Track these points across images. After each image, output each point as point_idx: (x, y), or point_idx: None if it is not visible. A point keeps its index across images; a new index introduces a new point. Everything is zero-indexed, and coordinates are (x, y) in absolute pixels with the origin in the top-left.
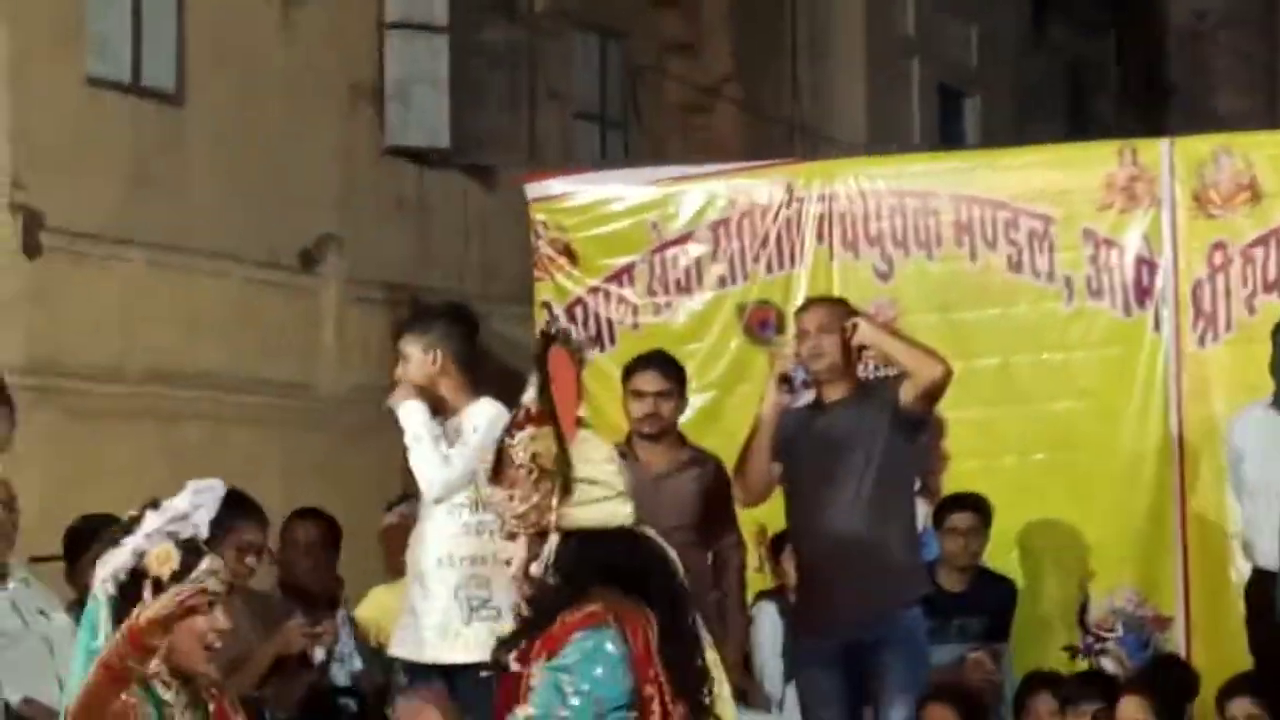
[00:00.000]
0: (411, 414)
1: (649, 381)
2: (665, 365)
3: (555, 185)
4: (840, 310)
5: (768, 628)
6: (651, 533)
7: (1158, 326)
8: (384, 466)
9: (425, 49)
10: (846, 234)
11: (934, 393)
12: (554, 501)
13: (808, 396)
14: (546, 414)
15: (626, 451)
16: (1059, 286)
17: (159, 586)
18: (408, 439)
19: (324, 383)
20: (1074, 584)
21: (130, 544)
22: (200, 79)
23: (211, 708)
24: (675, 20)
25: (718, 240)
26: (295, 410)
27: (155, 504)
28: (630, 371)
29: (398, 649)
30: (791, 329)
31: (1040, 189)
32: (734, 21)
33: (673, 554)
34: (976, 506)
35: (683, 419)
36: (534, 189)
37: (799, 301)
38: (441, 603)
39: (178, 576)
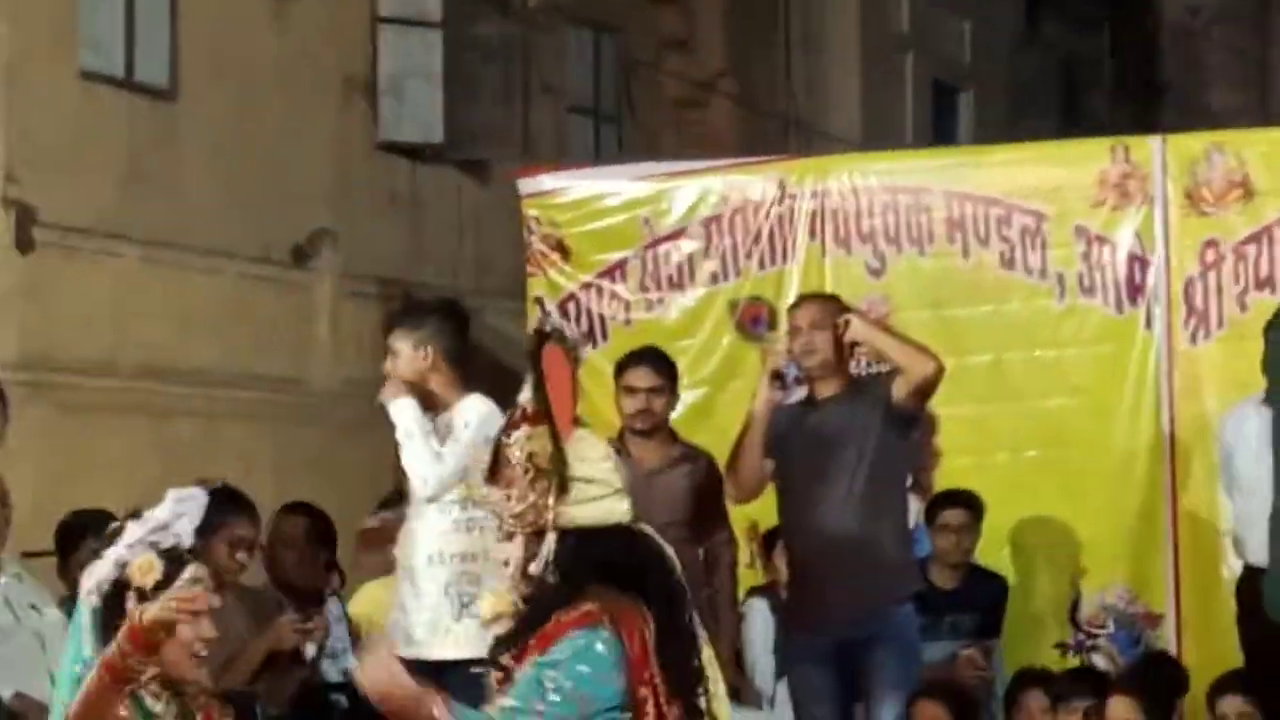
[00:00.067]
0: (403, 411)
1: (641, 378)
2: (657, 361)
3: (548, 180)
4: (833, 307)
5: (759, 624)
6: (649, 530)
7: (1150, 324)
8: (377, 461)
9: (419, 43)
10: (839, 230)
11: (926, 389)
12: (550, 500)
13: (800, 393)
14: (542, 413)
15: (619, 448)
16: (1051, 283)
17: (142, 597)
18: (399, 436)
19: (317, 378)
20: (1066, 581)
21: (112, 555)
22: (194, 75)
23: (200, 718)
24: (669, 15)
25: (710, 236)
26: (288, 405)
27: (137, 514)
28: (622, 367)
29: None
30: (784, 325)
31: (1033, 186)
32: (728, 17)
33: (670, 551)
34: (968, 503)
35: (675, 415)
36: (527, 184)
37: (791, 298)
38: (432, 600)
39: (161, 586)
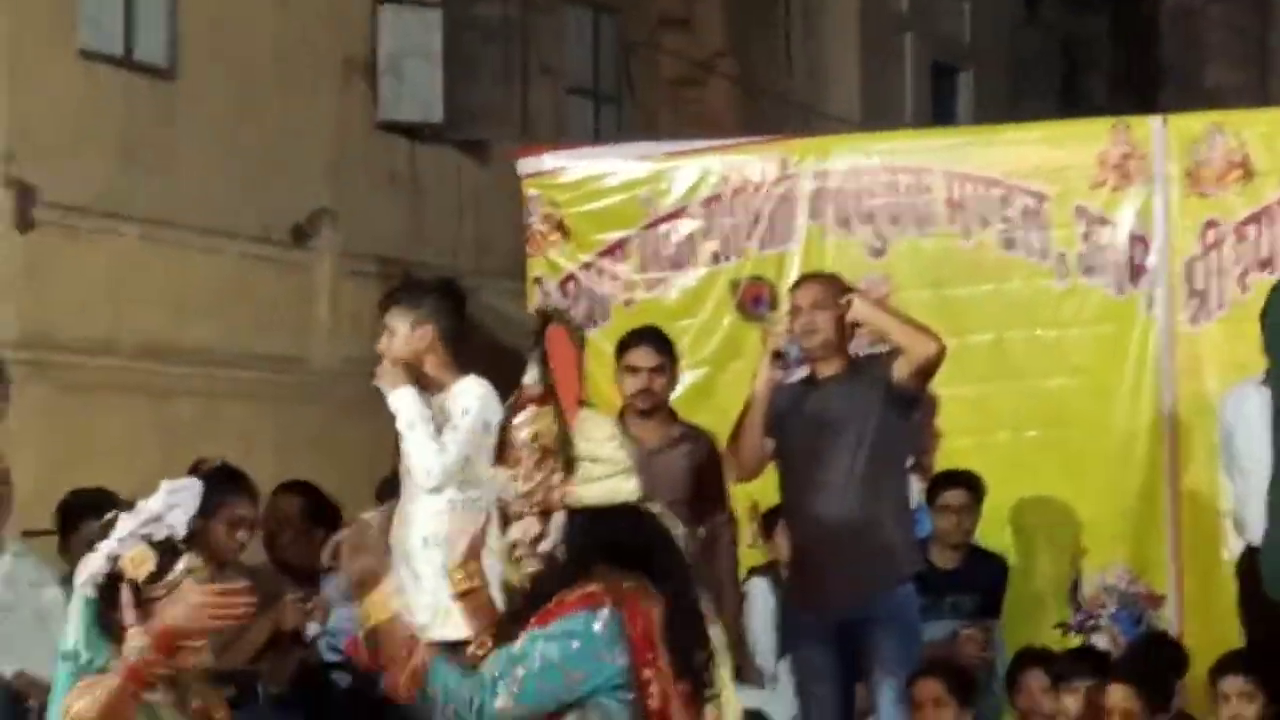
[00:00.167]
0: (403, 400)
1: (642, 357)
2: (658, 341)
3: (548, 160)
4: (834, 287)
5: (760, 604)
6: (657, 509)
7: (1150, 304)
8: (378, 440)
9: (418, 23)
10: (840, 210)
11: (927, 370)
12: (557, 480)
13: (801, 373)
14: (547, 393)
15: (619, 428)
16: (1052, 264)
17: (136, 589)
18: (400, 426)
19: (317, 357)
20: (1066, 561)
21: (105, 548)
22: (193, 53)
23: (195, 702)
24: None
25: (711, 216)
26: (288, 385)
27: (130, 506)
28: (623, 347)
29: None
30: (784, 305)
31: (1034, 166)
32: None
33: (677, 530)
34: (969, 484)
35: (675, 395)
36: (527, 164)
37: (792, 278)
38: (430, 582)
39: (155, 578)
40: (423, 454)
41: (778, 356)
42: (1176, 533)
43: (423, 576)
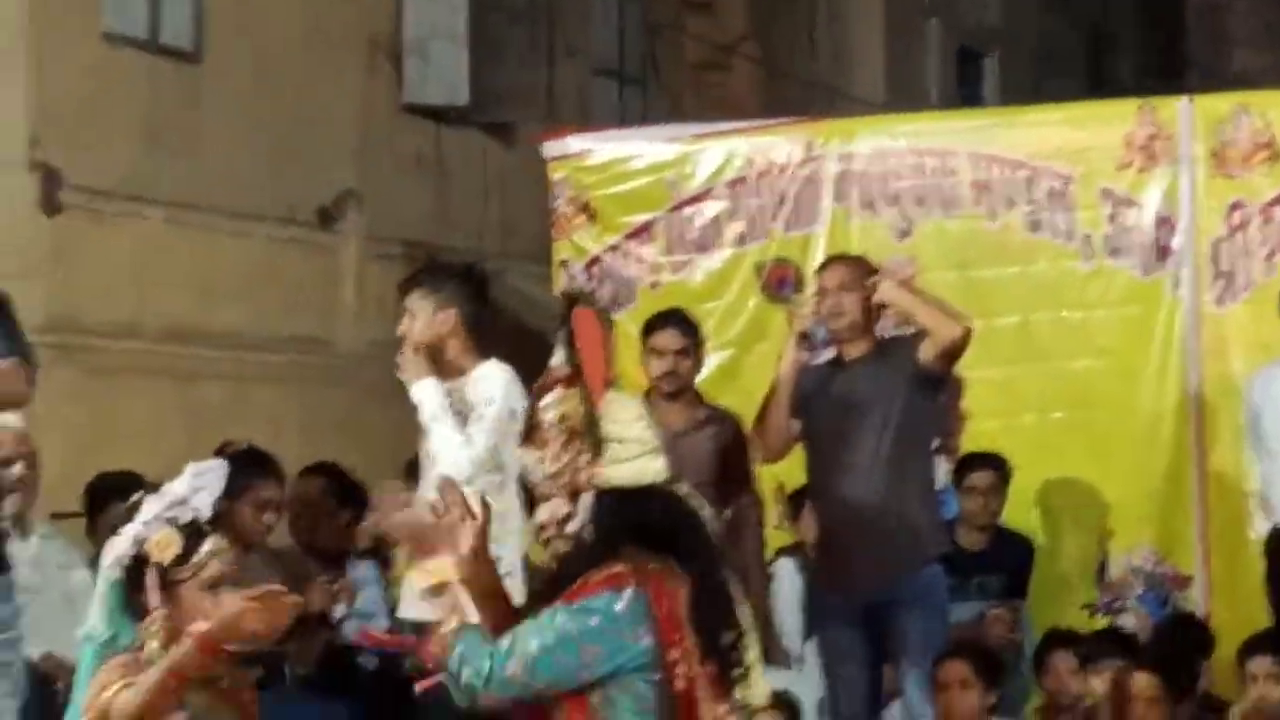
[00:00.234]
0: (427, 393)
1: (667, 339)
2: (683, 323)
3: (574, 143)
4: (861, 268)
5: (787, 585)
6: (685, 490)
7: (1176, 285)
8: (404, 423)
9: (444, 4)
10: (865, 192)
11: (954, 352)
12: (585, 461)
13: (827, 354)
14: (574, 375)
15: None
16: (1078, 245)
17: (163, 573)
18: (424, 418)
19: (343, 340)
20: (1093, 542)
21: (130, 531)
22: (218, 36)
23: (224, 684)
24: None
25: (736, 198)
26: (314, 367)
27: (156, 489)
28: (649, 329)
29: (408, 610)
30: (810, 287)
31: (1059, 147)
32: None
33: (706, 511)
34: (995, 465)
35: (700, 377)
36: (552, 147)
37: (817, 260)
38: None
39: (180, 560)
40: (450, 448)
41: (804, 338)
42: (1203, 514)
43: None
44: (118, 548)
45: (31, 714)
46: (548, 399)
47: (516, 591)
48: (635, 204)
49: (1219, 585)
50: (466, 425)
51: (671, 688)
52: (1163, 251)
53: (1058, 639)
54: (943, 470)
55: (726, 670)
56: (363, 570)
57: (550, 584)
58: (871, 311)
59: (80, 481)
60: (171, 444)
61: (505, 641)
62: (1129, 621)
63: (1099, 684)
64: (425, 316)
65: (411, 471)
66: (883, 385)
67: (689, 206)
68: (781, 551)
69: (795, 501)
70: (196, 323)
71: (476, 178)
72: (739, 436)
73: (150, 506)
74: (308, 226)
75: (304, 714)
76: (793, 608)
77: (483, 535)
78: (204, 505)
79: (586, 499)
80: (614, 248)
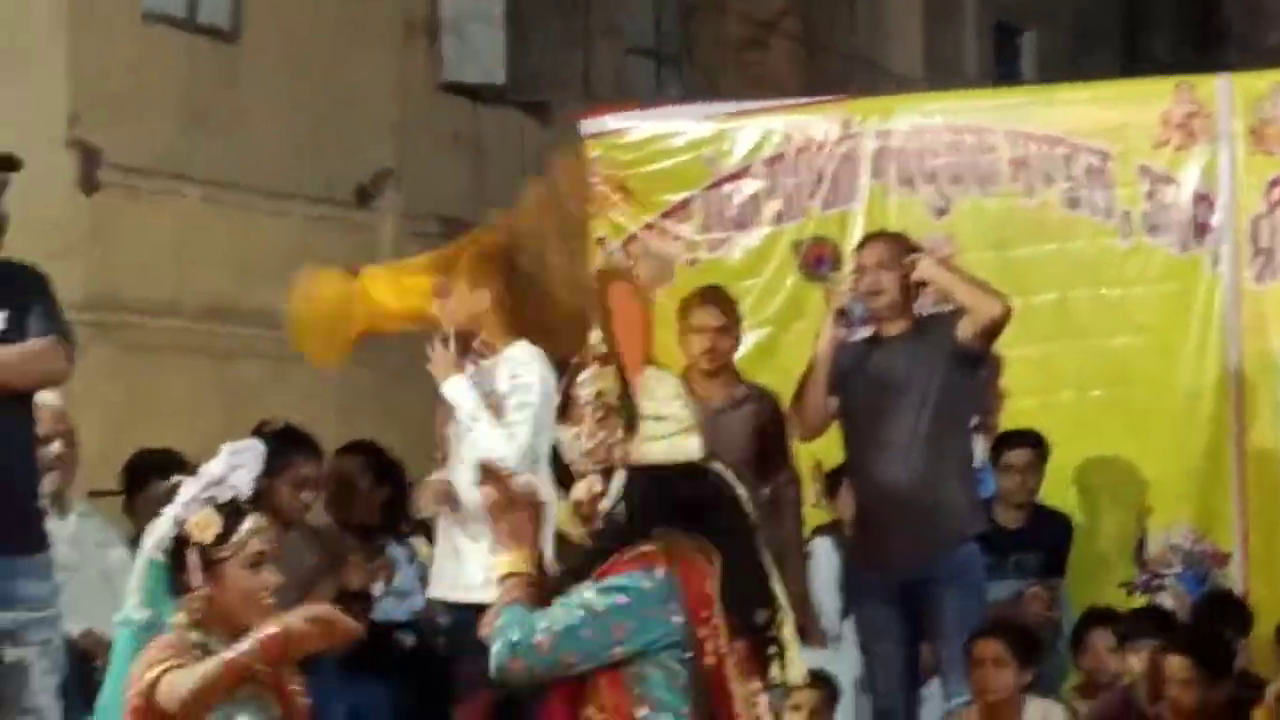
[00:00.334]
0: (458, 390)
1: (706, 317)
2: (721, 301)
3: (611, 121)
4: (900, 246)
5: (824, 563)
6: (720, 468)
7: (1215, 263)
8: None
9: None
10: (902, 170)
11: (993, 330)
12: (619, 438)
13: (865, 331)
14: (610, 352)
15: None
16: (1116, 222)
17: (204, 553)
18: (462, 417)
19: None
20: (1131, 520)
21: (170, 513)
22: (256, 15)
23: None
24: None
25: (773, 176)
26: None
27: (195, 467)
28: (686, 307)
29: (439, 590)
30: (848, 265)
31: (1097, 125)
32: None
33: (741, 490)
34: (1033, 443)
35: (738, 355)
36: (589, 125)
37: (855, 238)
38: (491, 541)
39: (220, 540)
40: (493, 443)
41: (841, 315)
42: (1242, 491)
43: (482, 535)
44: (158, 530)
45: (71, 690)
46: (584, 375)
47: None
48: (672, 182)
49: (1257, 563)
50: (500, 411)
51: (701, 665)
52: (1201, 229)
53: (1096, 617)
54: (980, 448)
55: (760, 648)
56: (401, 550)
57: (582, 561)
58: (910, 289)
59: (118, 459)
60: (209, 422)
61: (540, 615)
62: (1167, 599)
63: (1137, 662)
64: (460, 296)
65: None
66: (921, 363)
67: (727, 184)
68: (819, 530)
69: (832, 480)
70: (234, 301)
71: (513, 156)
72: (777, 414)
73: (189, 488)
74: (345, 205)
75: (342, 694)
76: (830, 586)
77: (537, 524)
78: (243, 484)
79: (620, 477)
80: (651, 226)
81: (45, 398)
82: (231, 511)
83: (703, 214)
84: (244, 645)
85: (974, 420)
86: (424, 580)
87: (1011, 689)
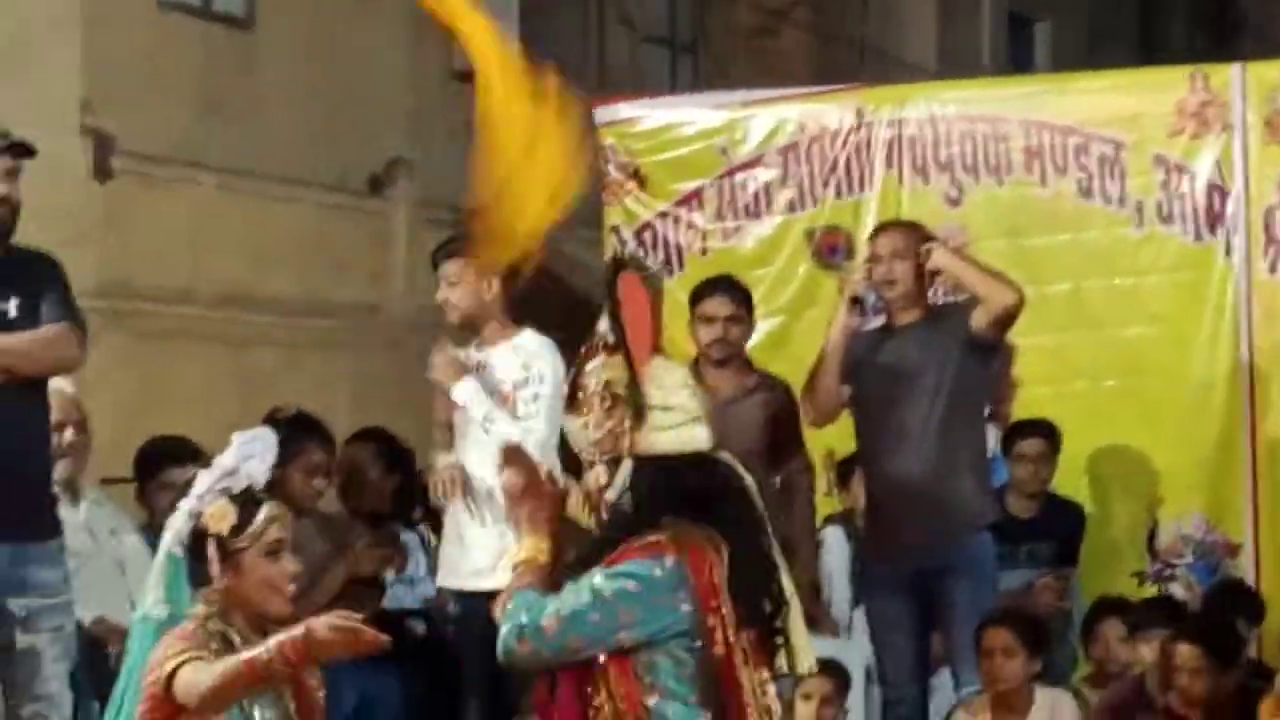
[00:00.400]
0: (467, 393)
1: (718, 306)
2: (733, 290)
3: (624, 109)
4: (914, 235)
5: (836, 552)
6: (728, 458)
7: (1229, 253)
8: None
9: None
10: (916, 159)
11: (1006, 320)
12: (627, 428)
13: (879, 320)
14: (617, 342)
15: (694, 377)
16: (1130, 212)
17: (221, 544)
18: (477, 419)
19: (394, 305)
20: (1143, 510)
21: (185, 506)
22: (271, 3)
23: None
24: None
25: (787, 165)
26: (365, 333)
27: (208, 456)
28: (698, 296)
29: (448, 579)
30: (861, 254)
31: (1111, 114)
32: None
33: (749, 480)
34: (1046, 433)
35: (750, 344)
36: (603, 113)
37: (868, 226)
38: (500, 527)
39: (237, 530)
40: (513, 439)
41: (855, 302)
42: (1254, 481)
43: (489, 520)
44: (174, 524)
45: (83, 677)
46: (591, 365)
47: None
48: (686, 170)
49: (1269, 553)
50: (510, 401)
51: (710, 654)
52: (1215, 218)
53: (1107, 607)
54: (993, 437)
55: (767, 638)
56: (413, 537)
57: (590, 550)
58: (924, 278)
59: (131, 447)
60: (223, 409)
61: (549, 600)
62: (1179, 589)
63: (1148, 652)
64: (468, 285)
65: None
66: (934, 352)
67: (740, 173)
68: (830, 519)
69: (844, 469)
70: (248, 288)
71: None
72: (789, 403)
73: (203, 480)
74: (359, 193)
75: (353, 682)
76: (841, 575)
77: (556, 511)
78: (257, 473)
79: (627, 467)
80: (664, 214)
81: (58, 385)
82: (247, 501)
83: (715, 202)
84: (267, 646)
85: (987, 409)
86: (432, 569)
87: (1021, 678)
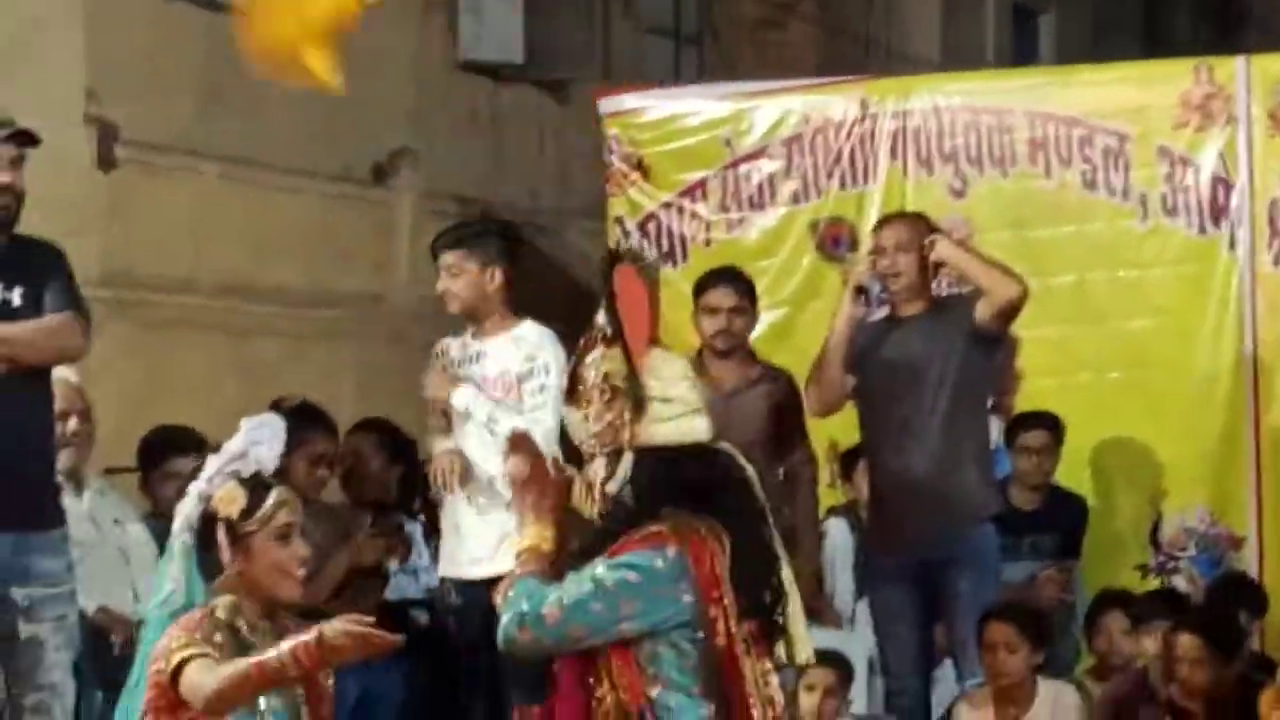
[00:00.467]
0: (467, 399)
1: (721, 297)
2: (737, 281)
3: (629, 100)
4: (919, 227)
5: (839, 544)
6: (728, 448)
7: (1233, 246)
8: None
9: None
10: (921, 150)
11: (1009, 312)
12: (627, 420)
13: (882, 311)
14: (616, 334)
15: (698, 368)
16: (1134, 204)
17: (231, 527)
18: (480, 419)
19: (398, 296)
20: (1146, 502)
21: (194, 491)
22: None
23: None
24: None
25: (791, 156)
26: (369, 324)
27: (212, 444)
28: (702, 287)
29: (448, 569)
30: (865, 246)
31: (1116, 106)
32: None
33: (751, 470)
34: (1049, 425)
35: (754, 335)
36: (607, 104)
37: (872, 218)
38: (501, 515)
39: (246, 514)
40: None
41: (860, 292)
42: (1257, 474)
43: (488, 509)
44: (185, 509)
45: (86, 667)
46: (590, 358)
47: None
48: (690, 161)
49: (1272, 546)
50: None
51: (713, 645)
52: (1219, 211)
53: (1110, 599)
54: (996, 429)
55: (769, 629)
56: (416, 527)
57: (592, 542)
58: (928, 270)
59: (134, 436)
60: (226, 399)
61: (551, 588)
62: (1182, 582)
63: (1151, 644)
64: (472, 275)
65: None
66: (938, 343)
67: (744, 164)
68: (833, 511)
69: (848, 460)
70: (251, 278)
71: (531, 135)
72: (793, 394)
73: (211, 464)
74: (362, 183)
75: (357, 674)
76: (844, 567)
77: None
78: (266, 459)
79: (627, 459)
80: (668, 205)
81: (62, 374)
82: (256, 485)
83: (719, 193)
84: (279, 651)
85: (990, 401)
86: (435, 560)
87: (1024, 672)
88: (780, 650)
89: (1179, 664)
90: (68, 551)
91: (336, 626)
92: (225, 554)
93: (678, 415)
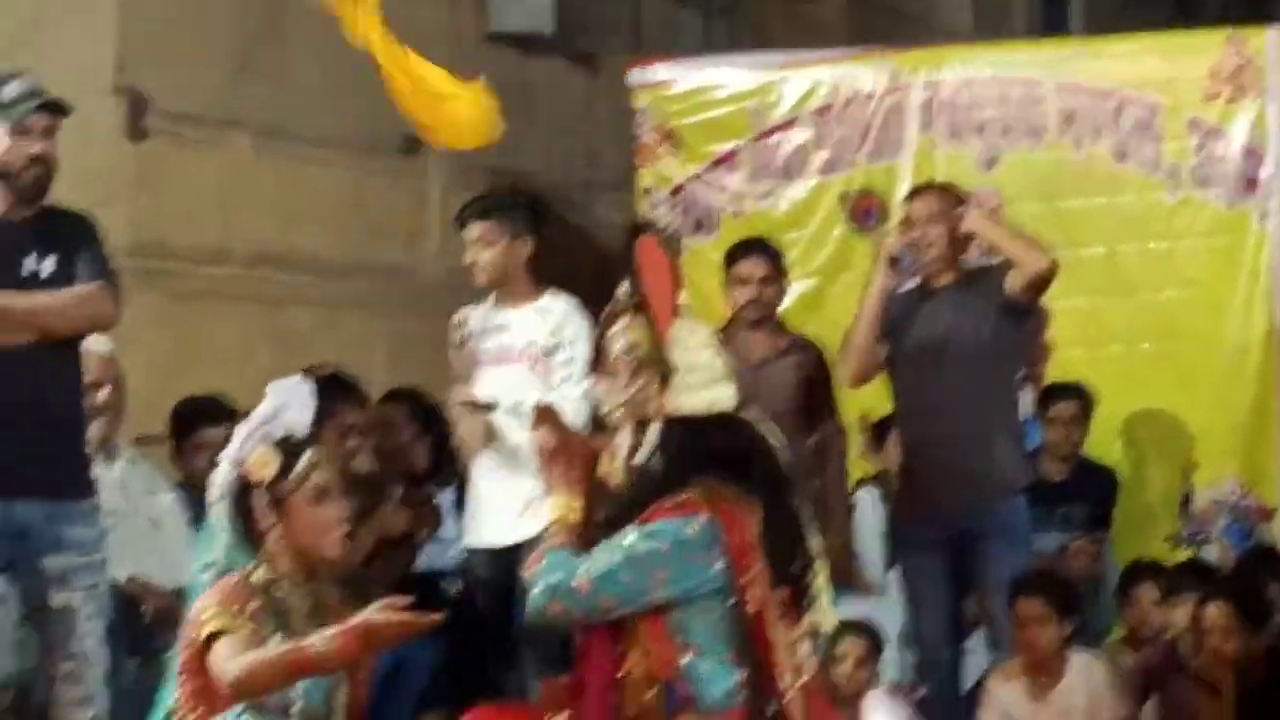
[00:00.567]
0: (496, 393)
1: (752, 267)
2: (767, 251)
3: (659, 71)
4: (949, 198)
5: (869, 514)
6: (755, 416)
7: (1263, 217)
8: None
9: None
10: (951, 122)
11: (1040, 284)
12: (653, 390)
13: (913, 281)
14: (640, 304)
15: (727, 338)
16: (1164, 176)
17: (267, 490)
18: (507, 407)
19: (428, 266)
20: (1177, 474)
21: (227, 456)
22: None
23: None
24: None
25: (821, 127)
26: (400, 294)
27: (240, 414)
28: (732, 258)
29: (471, 539)
30: (895, 217)
31: (1146, 77)
32: None
33: (777, 439)
34: (1079, 396)
35: (784, 306)
36: (637, 75)
37: (902, 189)
38: (529, 483)
39: (282, 475)
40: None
41: (894, 261)
42: None
43: (519, 476)
44: (220, 476)
45: (118, 635)
46: (615, 328)
47: None
48: (719, 132)
49: None
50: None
51: (744, 612)
52: (1250, 183)
53: (1141, 571)
54: (1026, 400)
55: (799, 596)
56: (445, 496)
57: (620, 511)
58: (958, 242)
59: (165, 406)
60: (257, 369)
61: (581, 560)
62: (1212, 553)
63: (1181, 616)
64: (500, 246)
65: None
66: (969, 314)
67: (774, 135)
68: (864, 481)
69: (878, 431)
70: (282, 248)
71: (562, 106)
72: (822, 365)
73: (240, 430)
74: (392, 154)
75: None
76: (875, 537)
77: (590, 469)
78: (296, 421)
79: (654, 428)
80: (698, 176)
81: (93, 344)
82: (288, 447)
83: (749, 165)
84: (323, 637)
85: (1021, 372)
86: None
87: (1055, 645)
88: (807, 619)
89: (1208, 634)
90: (99, 521)
91: (380, 614)
92: (264, 518)
93: (703, 384)
